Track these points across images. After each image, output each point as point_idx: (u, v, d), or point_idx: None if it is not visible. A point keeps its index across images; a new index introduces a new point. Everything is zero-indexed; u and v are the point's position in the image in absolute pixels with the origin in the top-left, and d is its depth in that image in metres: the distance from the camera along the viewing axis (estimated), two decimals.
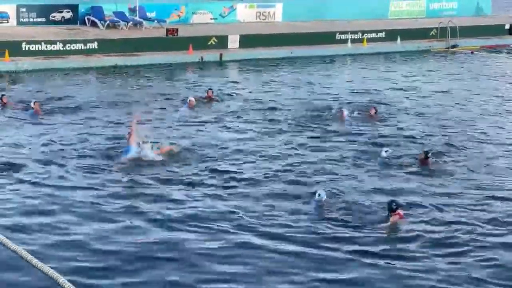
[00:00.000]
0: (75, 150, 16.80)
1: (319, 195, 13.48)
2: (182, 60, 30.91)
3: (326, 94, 25.29)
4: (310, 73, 30.22)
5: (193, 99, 22.11)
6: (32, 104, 20.18)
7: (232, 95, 24.60)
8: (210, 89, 23.40)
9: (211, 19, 39.18)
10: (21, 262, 10.34)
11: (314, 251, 11.64)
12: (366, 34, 37.30)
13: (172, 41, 32.12)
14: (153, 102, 22.95)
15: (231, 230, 12.30)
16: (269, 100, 23.79)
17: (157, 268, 10.78)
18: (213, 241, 11.83)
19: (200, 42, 32.19)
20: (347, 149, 17.85)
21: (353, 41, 36.60)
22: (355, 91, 26.08)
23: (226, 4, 40.03)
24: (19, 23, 33.64)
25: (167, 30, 32.86)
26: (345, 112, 21.09)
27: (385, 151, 17.03)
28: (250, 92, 25.40)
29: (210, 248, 11.57)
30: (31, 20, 33.96)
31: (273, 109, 22.40)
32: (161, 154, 16.02)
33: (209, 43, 32.60)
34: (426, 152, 16.78)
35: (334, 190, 14.35)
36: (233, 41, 33.32)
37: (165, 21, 35.99)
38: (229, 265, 11.01)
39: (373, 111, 21.39)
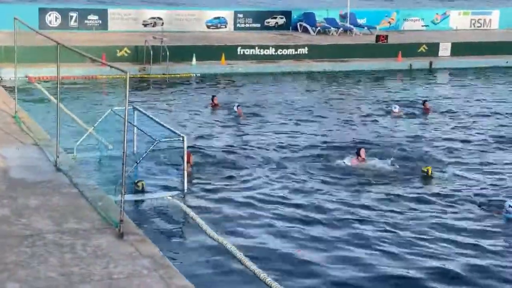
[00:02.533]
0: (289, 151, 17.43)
1: (510, 206, 12.85)
2: (391, 67, 30.67)
3: None
4: None
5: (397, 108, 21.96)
6: (235, 108, 21.16)
7: (440, 104, 23.97)
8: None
9: (422, 26, 38.45)
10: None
11: None
12: None
13: (381, 47, 31.99)
14: (358, 109, 23.07)
15: None
16: (478, 111, 22.93)
17: None
18: None
19: (410, 49, 31.71)
20: None
21: None
22: None
23: (439, 11, 39.06)
24: (236, 28, 35.38)
25: (377, 36, 32.78)
26: None
27: None
28: (458, 101, 24.62)
29: None
30: (247, 25, 35.57)
31: (477, 121, 21.60)
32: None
33: (419, 50, 32.02)
34: None
35: None
36: (444, 49, 32.42)
37: (375, 28, 35.93)
38: None
39: None
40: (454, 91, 27.01)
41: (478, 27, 39.52)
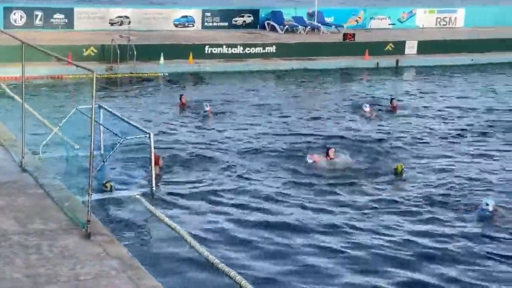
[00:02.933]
0: (252, 149, 17.42)
1: (486, 204, 13.02)
2: (358, 65, 30.86)
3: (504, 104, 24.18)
4: (491, 81, 28.99)
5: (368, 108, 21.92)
6: (206, 108, 21.08)
7: (407, 102, 24.19)
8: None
9: (389, 24, 38.75)
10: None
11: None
12: None
13: (349, 46, 32.16)
14: (326, 107, 23.15)
15: None
16: (444, 109, 23.17)
17: None
18: None
19: (377, 48, 31.94)
20: None
21: None
22: None
23: (405, 10, 39.40)
24: (204, 27, 35.27)
25: (344, 35, 32.94)
26: None
27: None
28: (424, 99, 24.85)
29: None
30: (215, 24, 35.48)
31: (446, 118, 21.82)
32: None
33: (386, 48, 32.27)
34: None
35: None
36: (411, 47, 32.72)
37: (343, 26, 36.10)
38: None
39: None
40: (421, 89, 27.25)
41: (443, 25, 39.95)
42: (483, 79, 29.65)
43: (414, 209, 13.72)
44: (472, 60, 32.60)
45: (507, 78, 30.07)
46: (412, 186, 15.05)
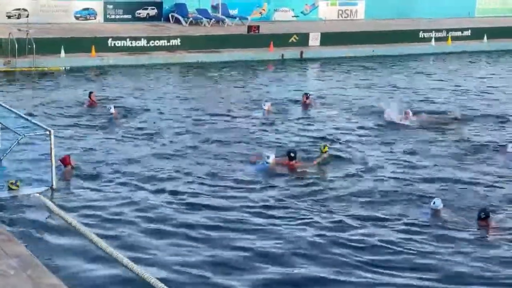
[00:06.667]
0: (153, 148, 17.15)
1: (434, 203, 13.13)
2: (263, 57, 31.04)
3: (397, 94, 24.85)
4: (392, 72, 29.82)
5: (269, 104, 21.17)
6: (112, 110, 19.71)
7: (316, 95, 24.33)
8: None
9: (292, 16, 39.22)
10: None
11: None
12: (450, 32, 36.48)
13: (253, 38, 32.32)
14: (232, 99, 23.11)
15: None
16: (346, 98, 23.57)
17: None
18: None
19: (281, 40, 32.27)
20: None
21: (437, 39, 35.83)
22: (436, 90, 25.56)
23: (308, 2, 39.97)
24: (106, 19, 34.59)
25: (249, 27, 33.09)
26: (410, 113, 20.23)
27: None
28: (329, 90, 25.25)
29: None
30: (118, 16, 34.87)
31: (350, 108, 22.10)
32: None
33: (290, 40, 32.63)
34: None
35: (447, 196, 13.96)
36: (314, 39, 33.22)
37: (247, 19, 36.24)
38: None
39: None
40: (325, 80, 27.67)
41: (345, 17, 40.82)
42: (385, 70, 30.41)
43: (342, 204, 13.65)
44: (373, 51, 33.42)
45: (407, 69, 30.95)
46: (341, 182, 14.87)
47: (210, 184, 14.44)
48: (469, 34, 37.07)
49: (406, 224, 12.63)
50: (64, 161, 14.45)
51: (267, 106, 21.07)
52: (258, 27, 33.03)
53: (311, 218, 12.72)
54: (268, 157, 15.18)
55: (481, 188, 14.74)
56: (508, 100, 24.38)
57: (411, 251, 11.52)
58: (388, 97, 23.88)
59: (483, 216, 12.55)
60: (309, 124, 19.97)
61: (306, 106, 22.11)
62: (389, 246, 11.68)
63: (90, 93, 21.48)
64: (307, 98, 22.23)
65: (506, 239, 12.16)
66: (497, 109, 22.76)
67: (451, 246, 11.77)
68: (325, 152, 16.09)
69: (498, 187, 14.91)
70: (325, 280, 10.47)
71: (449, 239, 12.03)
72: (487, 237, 12.34)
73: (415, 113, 20.64)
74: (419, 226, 12.54)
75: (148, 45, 29.91)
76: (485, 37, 36.77)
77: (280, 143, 17.66)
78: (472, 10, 44.54)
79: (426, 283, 10.53)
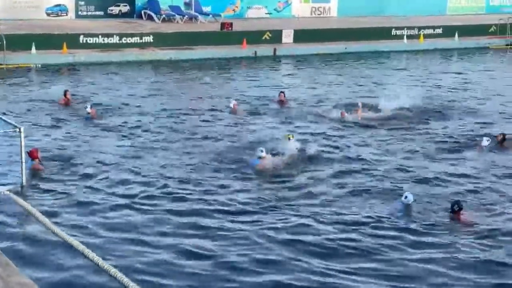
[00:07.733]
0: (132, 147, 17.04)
1: (406, 197, 13.22)
2: (236, 55, 31.02)
3: (371, 91, 24.99)
4: (364, 69, 29.97)
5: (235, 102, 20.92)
6: (88, 109, 19.34)
7: (290, 92, 24.32)
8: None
9: (266, 13, 39.26)
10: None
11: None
12: (422, 30, 36.79)
13: (226, 35, 32.29)
14: (204, 97, 23.04)
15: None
16: (321, 96, 23.62)
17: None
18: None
19: (255, 37, 32.26)
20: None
21: (409, 37, 36.11)
22: (408, 86, 25.74)
23: None
24: (78, 16, 34.31)
25: (222, 24, 33.04)
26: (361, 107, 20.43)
27: (487, 140, 17.23)
28: (302, 87, 25.30)
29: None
30: (89, 13, 34.61)
31: (321, 105, 22.11)
32: None
33: (263, 37, 32.65)
34: (504, 135, 17.42)
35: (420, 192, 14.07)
36: (287, 36, 33.27)
37: (220, 16, 36.20)
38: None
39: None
40: (298, 77, 27.72)
41: (318, 15, 40.95)
42: (357, 66, 30.55)
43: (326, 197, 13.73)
44: (346, 48, 33.57)
45: (379, 65, 31.12)
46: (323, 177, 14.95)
47: (182, 181, 14.41)
48: (441, 32, 37.42)
49: (378, 219, 12.68)
50: (32, 154, 14.25)
51: (232, 103, 20.83)
52: (231, 24, 33.00)
53: (276, 221, 12.57)
54: (262, 150, 15.07)
55: (455, 182, 14.88)
56: (481, 95, 24.65)
57: (382, 246, 11.56)
58: (360, 94, 24.00)
59: (456, 209, 12.66)
60: (282, 122, 19.93)
61: (282, 103, 22.04)
62: (359, 243, 11.70)
63: (66, 91, 21.19)
64: (284, 96, 22.19)
65: (476, 232, 12.29)
66: (471, 103, 23.04)
67: (423, 240, 11.86)
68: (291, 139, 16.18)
69: (472, 182, 15.04)
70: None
71: (421, 234, 12.11)
72: (459, 230, 12.45)
73: (382, 109, 20.78)
74: (390, 221, 12.62)
75: (121, 42, 29.73)
76: (456, 34, 37.14)
77: (252, 142, 17.56)
78: (443, 8, 44.97)
79: (396, 280, 10.57)
